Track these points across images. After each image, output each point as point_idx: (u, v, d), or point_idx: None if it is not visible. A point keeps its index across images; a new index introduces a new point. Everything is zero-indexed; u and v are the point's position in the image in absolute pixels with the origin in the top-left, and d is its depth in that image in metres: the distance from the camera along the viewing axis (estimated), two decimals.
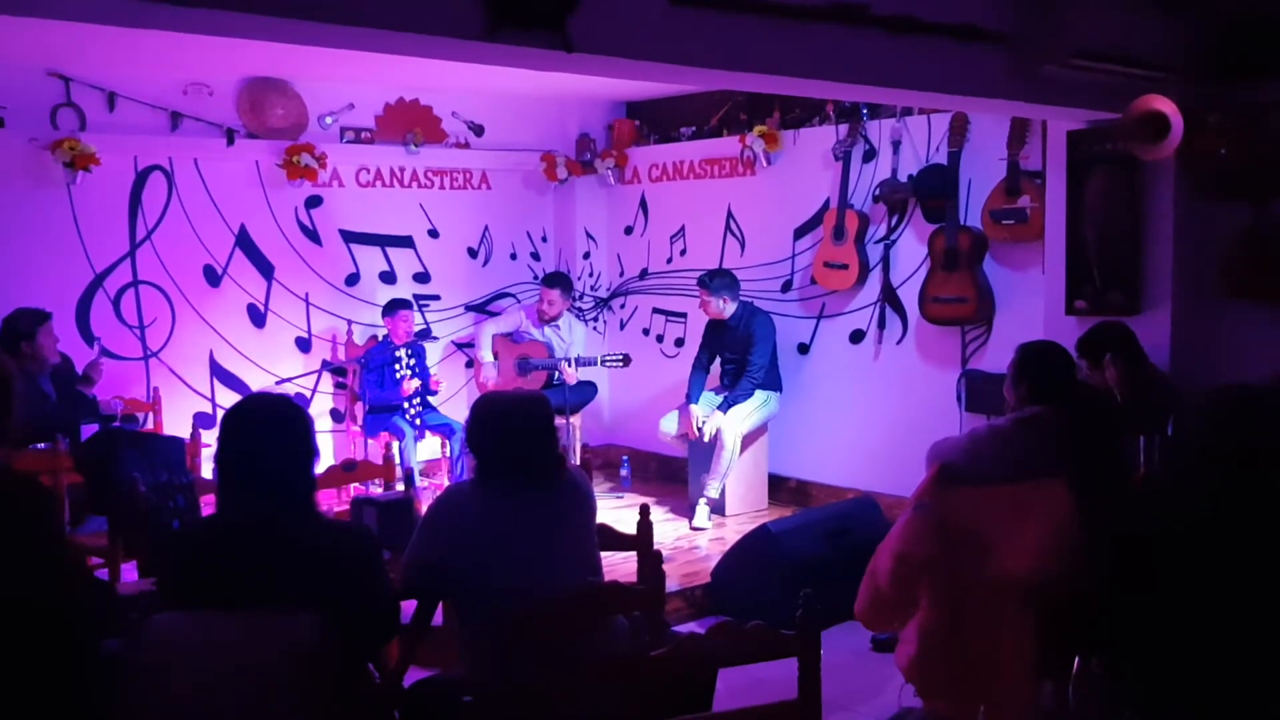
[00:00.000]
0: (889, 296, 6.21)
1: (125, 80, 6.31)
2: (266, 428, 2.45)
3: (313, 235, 7.02)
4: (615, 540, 3.29)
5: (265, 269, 6.86)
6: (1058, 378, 3.67)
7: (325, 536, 2.49)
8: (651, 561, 3.27)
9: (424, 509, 3.45)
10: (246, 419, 2.46)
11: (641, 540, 3.30)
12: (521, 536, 2.85)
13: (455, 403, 7.52)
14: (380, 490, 4.48)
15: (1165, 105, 4.35)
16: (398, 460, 5.20)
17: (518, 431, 2.90)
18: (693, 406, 6.48)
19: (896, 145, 6.09)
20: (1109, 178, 4.94)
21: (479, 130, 7.54)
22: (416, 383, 6.79)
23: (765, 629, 2.42)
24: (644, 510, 3.32)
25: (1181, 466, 2.69)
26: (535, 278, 7.93)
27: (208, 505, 4.21)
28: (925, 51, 3.91)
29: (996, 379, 5.66)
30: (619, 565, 4.15)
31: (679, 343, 7.52)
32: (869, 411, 6.37)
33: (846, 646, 4.63)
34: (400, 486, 4.21)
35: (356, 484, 5.08)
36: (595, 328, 7.78)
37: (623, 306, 7.94)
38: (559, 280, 7.27)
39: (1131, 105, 4.43)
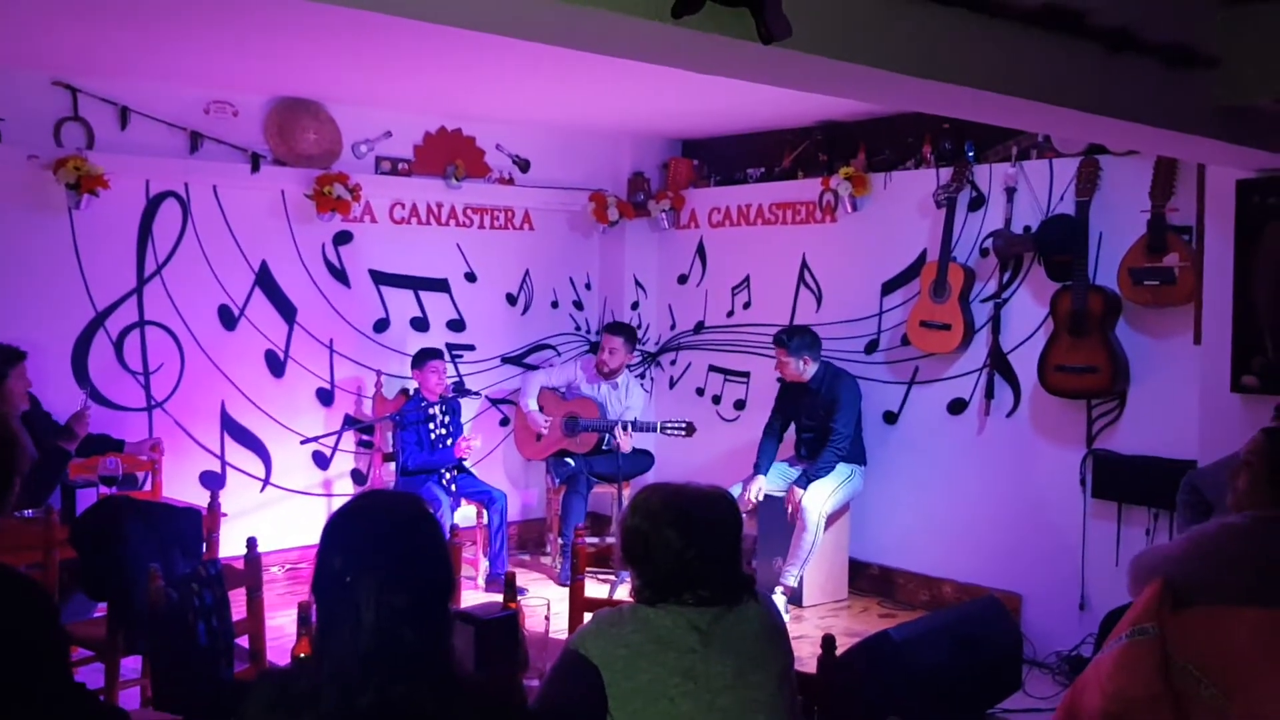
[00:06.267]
0: (998, 362, 5.49)
1: (140, 94, 5.57)
2: (399, 551, 1.68)
3: (340, 275, 6.28)
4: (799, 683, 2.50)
5: (287, 311, 6.09)
6: None
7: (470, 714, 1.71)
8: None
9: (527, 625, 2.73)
10: (369, 537, 1.68)
11: (824, 682, 2.53)
12: (703, 683, 2.10)
13: (490, 465, 6.75)
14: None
15: None
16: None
17: (703, 539, 2.14)
18: (760, 477, 5.77)
19: (1011, 192, 5.42)
20: None
21: (524, 165, 6.84)
22: (477, 440, 6.13)
23: None
24: (828, 642, 2.54)
25: None
26: (577, 328, 7.21)
27: (237, 601, 3.42)
28: (1132, 74, 3.25)
29: (1131, 461, 4.99)
30: None
31: (739, 405, 6.79)
32: (969, 492, 5.63)
33: None
34: (481, 584, 3.40)
35: None
36: (642, 385, 7.02)
37: (673, 363, 7.20)
38: (623, 329, 6.58)
39: None
